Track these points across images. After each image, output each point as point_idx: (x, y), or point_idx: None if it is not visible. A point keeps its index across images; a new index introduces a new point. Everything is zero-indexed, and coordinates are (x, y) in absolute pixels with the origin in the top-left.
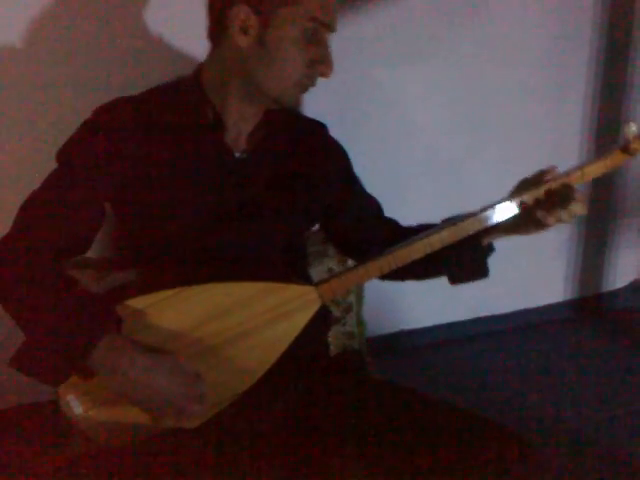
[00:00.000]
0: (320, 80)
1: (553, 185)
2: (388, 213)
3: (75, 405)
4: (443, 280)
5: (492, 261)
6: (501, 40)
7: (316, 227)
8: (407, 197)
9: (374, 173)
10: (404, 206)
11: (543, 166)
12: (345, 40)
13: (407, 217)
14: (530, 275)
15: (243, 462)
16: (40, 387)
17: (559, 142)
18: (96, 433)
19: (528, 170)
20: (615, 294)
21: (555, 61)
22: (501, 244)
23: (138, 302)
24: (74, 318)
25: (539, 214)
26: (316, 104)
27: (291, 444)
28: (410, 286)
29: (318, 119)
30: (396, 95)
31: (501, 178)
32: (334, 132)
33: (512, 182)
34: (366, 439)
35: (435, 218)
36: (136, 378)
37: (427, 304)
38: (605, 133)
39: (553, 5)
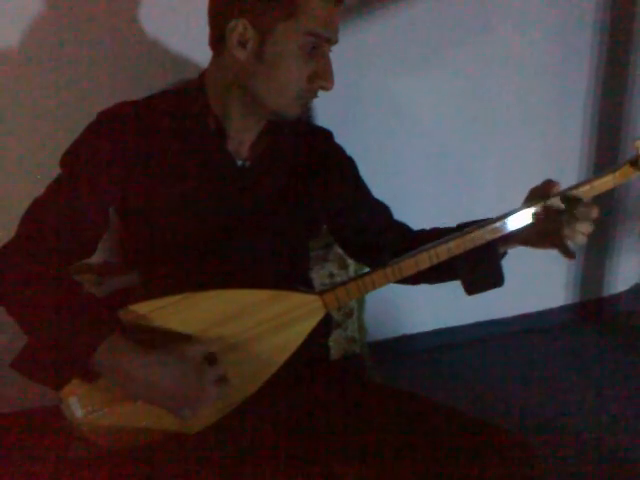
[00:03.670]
0: None
1: (561, 196)
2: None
3: (76, 407)
4: (445, 285)
5: None
6: (503, 46)
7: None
8: (412, 201)
9: (379, 177)
10: (409, 210)
11: (543, 169)
12: (349, 45)
13: (412, 220)
14: (531, 279)
15: (244, 466)
16: (43, 392)
17: (561, 145)
18: (97, 436)
19: (529, 173)
20: (616, 298)
21: (557, 65)
22: None
23: (142, 307)
24: (76, 321)
25: (549, 227)
26: (319, 109)
27: (292, 448)
28: (411, 291)
29: (322, 124)
30: (399, 101)
31: (505, 181)
32: (338, 137)
33: (516, 184)
34: (367, 443)
35: (440, 221)
36: (139, 375)
37: (428, 308)
38: (607, 137)
39: (553, 11)
